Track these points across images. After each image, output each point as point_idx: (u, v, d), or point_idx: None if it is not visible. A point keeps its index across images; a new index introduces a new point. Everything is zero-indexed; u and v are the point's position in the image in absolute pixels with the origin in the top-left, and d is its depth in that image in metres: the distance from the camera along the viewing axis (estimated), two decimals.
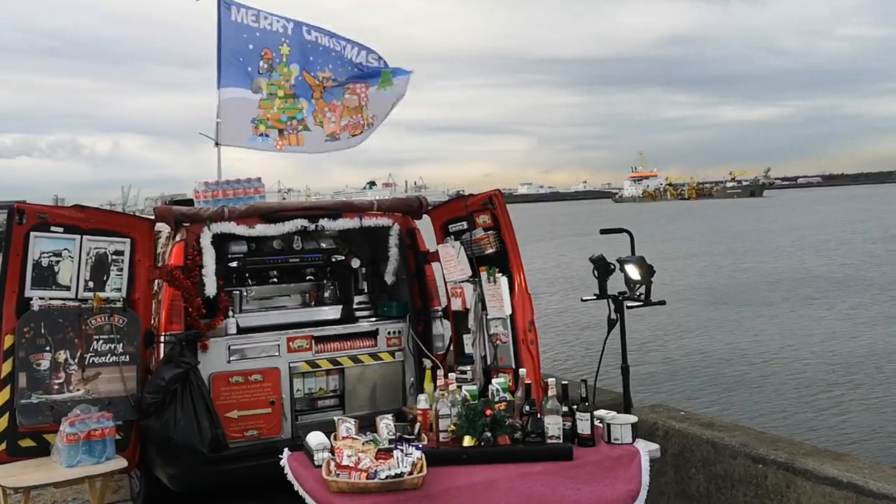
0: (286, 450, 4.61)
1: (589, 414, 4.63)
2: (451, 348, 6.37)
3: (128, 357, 5.39)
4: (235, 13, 6.48)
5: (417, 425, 4.78)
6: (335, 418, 4.81)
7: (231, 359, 5.80)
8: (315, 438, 4.53)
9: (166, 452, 5.26)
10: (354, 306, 6.58)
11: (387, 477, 4.04)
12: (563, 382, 4.79)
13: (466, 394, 5.00)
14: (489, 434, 4.52)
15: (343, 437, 4.56)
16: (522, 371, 5.11)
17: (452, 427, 4.64)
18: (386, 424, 4.71)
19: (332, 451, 4.34)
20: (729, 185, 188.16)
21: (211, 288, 5.70)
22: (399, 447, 4.30)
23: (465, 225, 6.03)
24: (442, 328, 6.44)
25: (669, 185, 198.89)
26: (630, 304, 5.16)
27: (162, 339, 5.48)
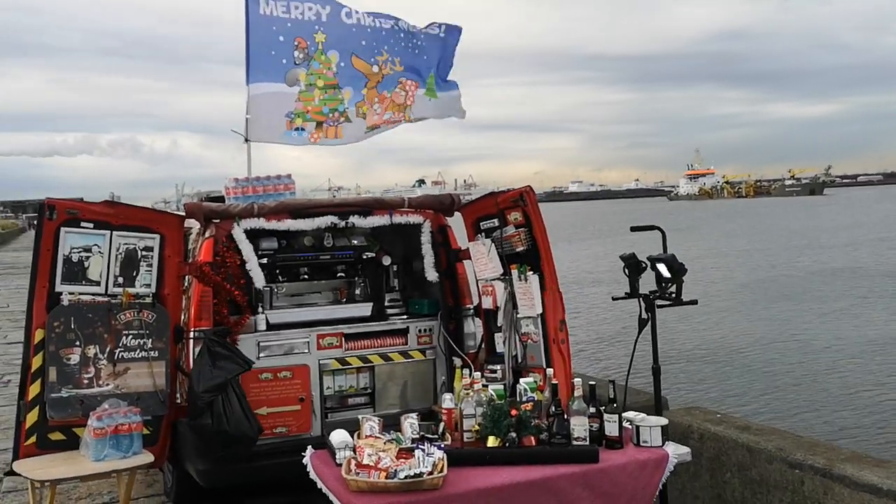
0: (309, 447, 4.59)
1: (617, 415, 4.51)
2: (483, 347, 6.28)
3: (157, 352, 5.42)
4: (264, 6, 6.35)
5: (442, 425, 4.72)
6: (359, 416, 4.78)
7: (260, 355, 5.79)
8: (338, 437, 4.49)
9: (220, 445, 5.24)
10: (385, 304, 6.53)
11: (406, 477, 3.98)
12: (591, 383, 4.68)
13: (493, 393, 4.93)
14: (514, 435, 4.44)
15: (367, 436, 4.53)
16: (549, 370, 5.02)
17: (477, 427, 4.57)
18: (410, 423, 4.66)
19: (354, 449, 4.31)
20: (788, 182, 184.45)
21: (259, 280, 5.77)
22: (421, 447, 4.25)
23: (496, 222, 5.93)
24: (473, 326, 6.35)
25: (727, 182, 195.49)
26: (661, 303, 5.01)
27: (191, 335, 5.50)
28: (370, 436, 4.51)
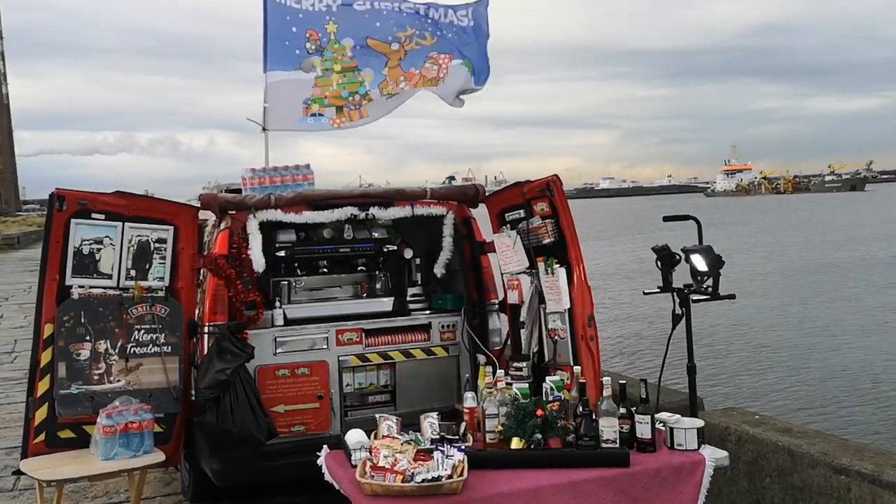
0: (325, 448, 4.40)
1: (649, 416, 4.25)
2: (509, 343, 6.04)
3: (170, 348, 5.25)
4: None
5: (463, 425, 4.50)
6: (377, 416, 4.57)
7: (278, 351, 5.62)
8: (354, 436, 4.30)
9: (224, 445, 5.10)
10: (408, 298, 6.31)
11: (423, 480, 3.76)
12: (621, 381, 4.42)
13: (517, 392, 4.69)
14: (539, 436, 4.21)
15: (384, 436, 4.32)
16: (577, 368, 4.77)
17: (500, 427, 4.34)
18: (430, 423, 4.44)
19: (370, 450, 4.10)
20: (828, 178, 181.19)
21: (259, 264, 5.53)
22: (440, 448, 4.02)
23: (522, 213, 5.69)
24: (499, 322, 6.12)
25: (764, 178, 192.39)
26: (696, 297, 4.72)
27: (206, 329, 5.33)
28: (387, 436, 4.31)
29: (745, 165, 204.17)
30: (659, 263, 4.85)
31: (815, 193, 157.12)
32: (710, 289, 4.69)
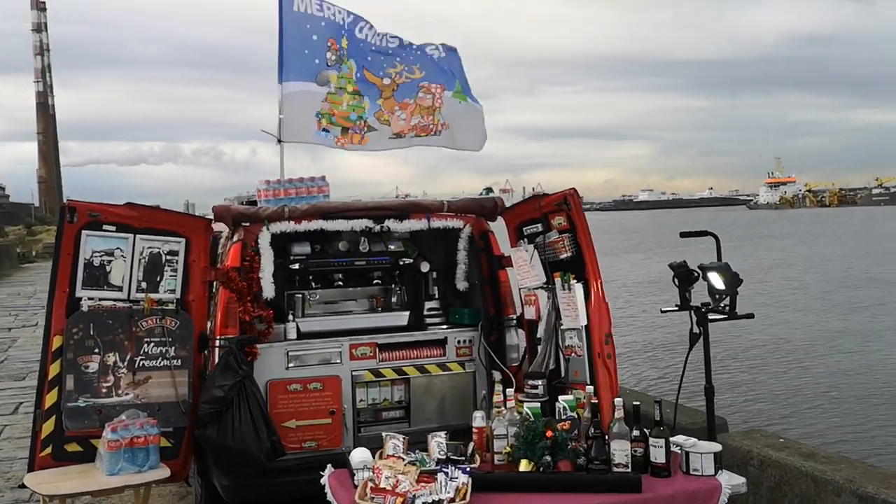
0: (329, 466, 4.30)
1: (663, 440, 4.08)
2: (526, 359, 5.89)
3: (180, 361, 5.19)
4: (298, 3, 6.27)
5: (471, 445, 4.37)
6: (383, 434, 4.47)
7: (290, 365, 5.54)
8: (358, 456, 4.20)
9: (224, 461, 5.04)
10: (424, 312, 6.20)
11: (424, 503, 3.65)
12: (635, 403, 4.26)
13: (528, 411, 4.56)
14: (549, 458, 4.06)
15: (388, 456, 4.21)
16: (590, 388, 4.62)
17: (508, 449, 4.21)
18: (437, 442, 4.32)
19: (372, 470, 4.00)
20: (875, 191, 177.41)
21: (269, 291, 5.46)
22: (444, 469, 3.91)
23: (539, 227, 5.56)
24: (516, 338, 5.98)
25: (809, 191, 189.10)
26: (713, 316, 4.54)
27: (217, 343, 5.27)
28: (392, 455, 4.20)
29: (790, 178, 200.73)
30: (676, 281, 4.68)
31: (861, 207, 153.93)
32: (727, 307, 4.51)
